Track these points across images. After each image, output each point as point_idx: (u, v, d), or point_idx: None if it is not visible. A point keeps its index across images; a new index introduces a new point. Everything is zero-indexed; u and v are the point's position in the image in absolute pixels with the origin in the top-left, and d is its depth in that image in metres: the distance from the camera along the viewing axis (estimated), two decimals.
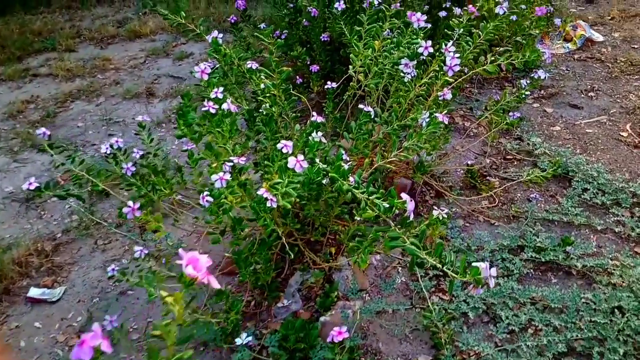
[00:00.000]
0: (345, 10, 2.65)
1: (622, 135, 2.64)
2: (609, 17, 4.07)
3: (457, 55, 1.71)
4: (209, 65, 1.55)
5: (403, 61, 1.78)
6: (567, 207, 2.12)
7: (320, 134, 1.50)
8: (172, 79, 3.95)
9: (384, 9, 1.93)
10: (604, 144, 2.58)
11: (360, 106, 1.75)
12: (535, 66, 3.38)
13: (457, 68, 1.65)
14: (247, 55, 1.96)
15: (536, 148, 2.52)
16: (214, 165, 1.44)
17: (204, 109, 1.45)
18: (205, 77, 1.52)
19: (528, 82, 2.41)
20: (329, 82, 2.04)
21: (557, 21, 3.40)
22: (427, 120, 1.60)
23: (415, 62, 1.78)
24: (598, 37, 3.71)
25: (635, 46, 3.62)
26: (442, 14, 2.85)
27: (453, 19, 2.11)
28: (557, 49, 3.69)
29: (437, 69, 1.79)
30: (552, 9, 3.63)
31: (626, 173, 2.34)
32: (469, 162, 2.43)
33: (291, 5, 3.01)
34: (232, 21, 3.01)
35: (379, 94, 2.07)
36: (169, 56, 4.31)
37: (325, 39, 2.87)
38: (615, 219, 2.04)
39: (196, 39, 2.09)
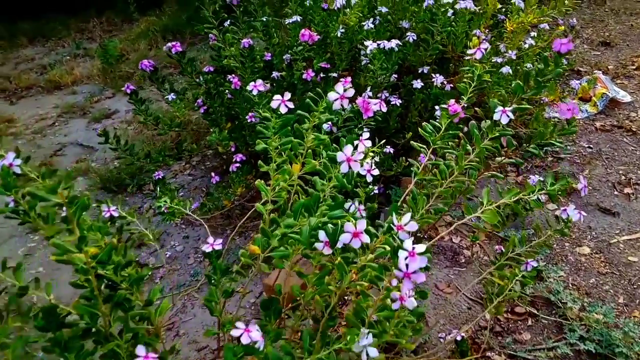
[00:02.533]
0: (270, 91, 1.81)
1: None
2: (634, 67, 3.24)
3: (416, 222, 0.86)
4: None
5: (321, 235, 0.91)
6: None
7: None
8: (80, 148, 3.09)
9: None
10: None
11: None
12: (547, 141, 2.53)
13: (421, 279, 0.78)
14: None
15: (558, 293, 1.66)
16: None
17: None
18: None
19: (540, 178, 1.58)
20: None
21: (575, 84, 2.57)
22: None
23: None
24: (624, 96, 2.87)
25: None
26: (417, 84, 2.00)
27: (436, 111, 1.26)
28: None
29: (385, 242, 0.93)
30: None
31: None
32: (459, 332, 1.55)
33: (209, 69, 2.16)
34: (128, 91, 2.15)
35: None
36: (85, 115, 3.46)
37: (252, 121, 2.02)
38: None
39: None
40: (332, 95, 1.03)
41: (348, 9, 2.01)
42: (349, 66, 2.23)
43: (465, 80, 1.35)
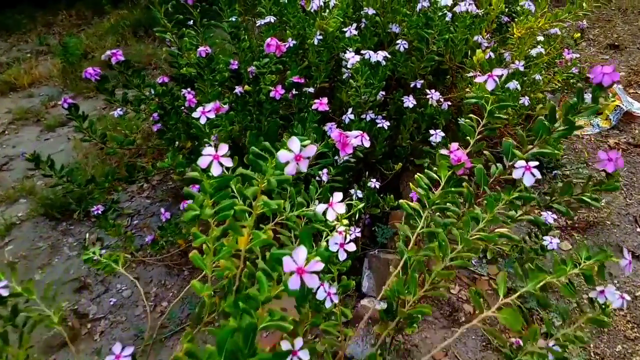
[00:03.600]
0: (231, 110, 1.48)
1: None
2: None
3: None
4: None
5: None
6: None
7: None
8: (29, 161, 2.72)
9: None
10: None
11: None
12: (554, 162, 2.23)
13: None
14: None
15: None
16: None
17: None
18: None
19: (554, 215, 1.32)
20: None
21: (588, 97, 2.24)
22: None
23: None
24: (639, 108, 2.57)
25: None
26: (408, 102, 1.67)
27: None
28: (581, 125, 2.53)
29: None
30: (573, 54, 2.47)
31: None
32: None
33: (163, 80, 1.82)
34: (65, 105, 1.81)
35: None
36: (39, 122, 3.09)
37: (216, 143, 1.68)
38: None
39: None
40: (283, 156, 0.70)
41: (327, 12, 1.68)
42: (328, 78, 1.89)
43: (470, 118, 1.02)
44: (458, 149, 0.96)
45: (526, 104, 1.89)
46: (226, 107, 1.46)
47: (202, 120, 1.22)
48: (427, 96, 1.74)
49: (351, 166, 1.34)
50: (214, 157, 0.79)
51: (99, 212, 1.70)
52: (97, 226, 2.17)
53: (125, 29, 4.31)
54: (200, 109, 1.22)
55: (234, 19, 2.10)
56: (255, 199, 0.80)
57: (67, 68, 3.60)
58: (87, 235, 2.14)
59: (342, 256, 0.88)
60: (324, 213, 0.87)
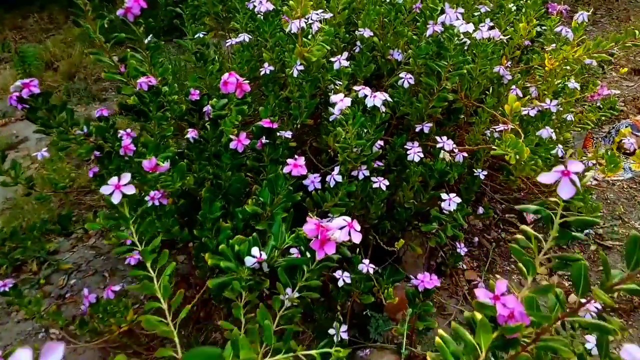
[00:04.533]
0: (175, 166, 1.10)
1: None
2: None
3: None
4: None
5: None
6: None
7: None
8: None
9: None
10: None
11: None
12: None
13: None
14: None
15: None
16: None
17: None
18: None
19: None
20: None
21: (622, 124, 1.90)
22: None
23: None
24: None
25: None
26: (413, 154, 1.29)
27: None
28: (607, 169, 2.17)
29: None
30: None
31: None
32: None
33: (100, 113, 1.42)
34: None
35: None
36: None
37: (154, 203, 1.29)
38: None
39: None
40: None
41: (310, 36, 1.29)
42: (312, 114, 1.51)
43: (527, 234, 0.64)
44: (509, 292, 0.57)
45: (560, 153, 1.52)
46: (166, 165, 1.07)
47: (116, 199, 0.83)
48: (437, 145, 1.36)
49: (331, 265, 0.95)
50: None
51: (6, 288, 1.30)
52: (30, 283, 1.77)
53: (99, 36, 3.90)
54: (112, 181, 0.83)
55: (201, 35, 1.72)
56: None
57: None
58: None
59: None
60: None
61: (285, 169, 1.00)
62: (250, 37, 1.64)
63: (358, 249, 1.22)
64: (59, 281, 1.78)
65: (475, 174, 1.50)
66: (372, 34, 1.50)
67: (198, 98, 1.49)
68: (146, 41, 1.35)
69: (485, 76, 1.53)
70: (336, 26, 1.56)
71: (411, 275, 1.54)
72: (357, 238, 0.81)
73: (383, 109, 1.12)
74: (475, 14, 1.70)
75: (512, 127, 1.13)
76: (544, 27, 1.99)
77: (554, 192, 0.58)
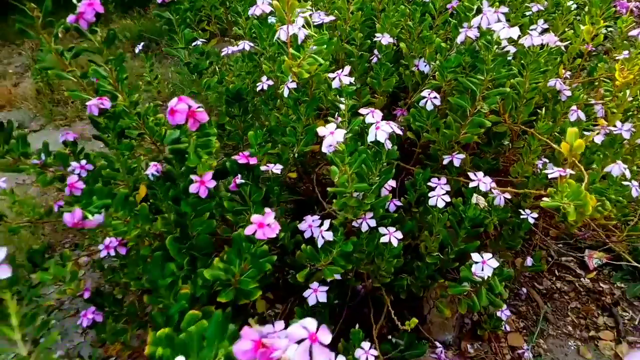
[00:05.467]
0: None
1: None
2: None
3: None
4: None
5: None
6: None
7: None
8: None
9: None
10: None
11: None
12: None
13: None
14: None
15: None
16: None
17: None
18: None
19: None
20: None
21: None
22: None
23: None
24: None
25: None
26: (437, 198, 0.98)
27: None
28: None
29: None
30: None
31: None
32: None
33: (66, 136, 1.20)
34: None
35: None
36: None
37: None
38: None
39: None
40: None
41: (304, 44, 1.01)
42: (316, 142, 1.22)
43: None
44: None
45: (635, 193, 1.16)
46: (97, 217, 0.81)
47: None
48: (470, 183, 1.05)
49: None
50: None
51: None
52: None
53: (125, 42, 3.79)
54: None
55: (199, 42, 1.47)
56: None
57: (43, 89, 3.08)
58: None
59: None
60: None
61: (248, 230, 0.73)
62: (252, 45, 1.38)
63: (357, 326, 0.93)
64: (37, 321, 1.58)
65: (522, 216, 1.17)
66: (392, 40, 1.21)
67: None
68: (137, 50, 1.11)
69: (537, 91, 1.21)
70: (349, 30, 1.27)
71: (438, 342, 1.23)
72: (322, 356, 0.52)
73: (389, 144, 0.82)
74: (527, 13, 1.37)
75: (571, 172, 0.81)
76: (610, 29, 1.64)
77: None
